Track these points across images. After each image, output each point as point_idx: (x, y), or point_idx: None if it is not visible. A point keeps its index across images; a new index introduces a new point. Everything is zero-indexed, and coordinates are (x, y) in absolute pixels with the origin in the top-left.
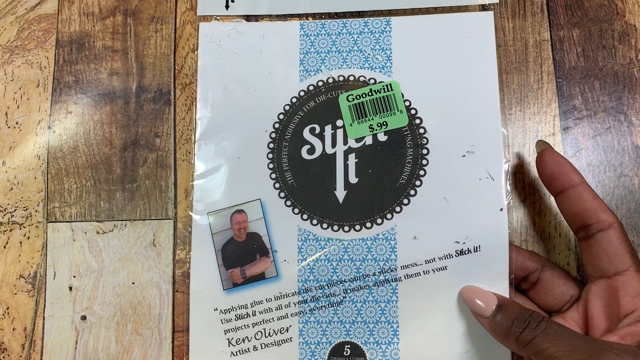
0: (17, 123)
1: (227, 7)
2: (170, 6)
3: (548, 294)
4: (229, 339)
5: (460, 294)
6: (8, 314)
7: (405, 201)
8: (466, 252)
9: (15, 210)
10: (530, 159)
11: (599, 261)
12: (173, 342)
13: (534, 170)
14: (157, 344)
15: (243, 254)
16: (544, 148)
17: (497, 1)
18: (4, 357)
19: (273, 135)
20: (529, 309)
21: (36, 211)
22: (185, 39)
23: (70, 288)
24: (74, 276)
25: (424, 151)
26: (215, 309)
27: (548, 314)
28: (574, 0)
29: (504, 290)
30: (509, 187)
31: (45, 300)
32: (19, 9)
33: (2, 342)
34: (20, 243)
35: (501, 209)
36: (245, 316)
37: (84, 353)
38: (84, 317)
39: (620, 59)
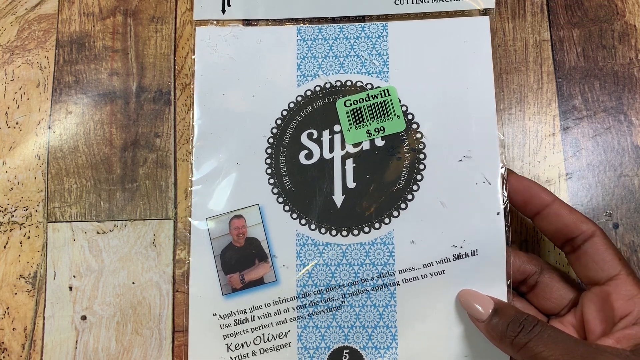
0: (17, 123)
1: (223, 11)
2: (170, 6)
3: (546, 298)
4: (228, 344)
5: (458, 297)
6: (8, 314)
7: (403, 206)
8: (464, 256)
9: (15, 210)
10: (530, 158)
11: (589, 271)
12: (173, 342)
13: (534, 170)
14: (157, 344)
15: (242, 259)
16: (507, 174)
17: (493, 6)
18: (4, 357)
19: (271, 140)
20: (525, 313)
21: (36, 211)
22: (185, 39)
23: (70, 288)
24: (74, 276)
25: (421, 156)
26: (215, 314)
27: (547, 318)
28: (574, 0)
29: (501, 293)
30: (505, 192)
31: (45, 300)
32: (19, 9)
33: (2, 342)
34: (21, 243)
35: (498, 213)
36: (244, 321)
37: (84, 353)
38: (84, 317)
39: (620, 59)
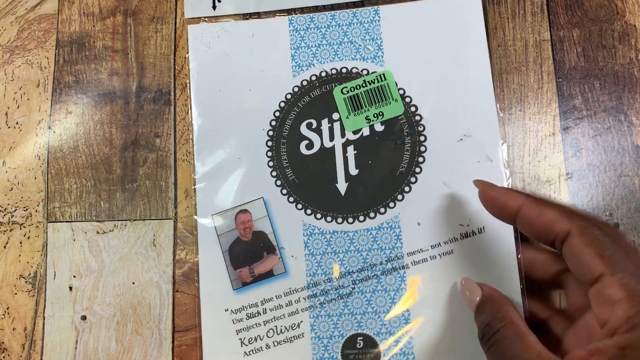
0: (17, 123)
1: (214, 7)
2: (170, 6)
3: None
4: (241, 339)
5: (460, 286)
6: (8, 314)
7: (407, 189)
8: (471, 235)
9: (15, 210)
10: (531, 158)
11: (575, 273)
12: (173, 342)
13: (534, 170)
14: (157, 344)
15: (250, 253)
16: (478, 187)
17: None
18: (4, 357)
19: (271, 133)
20: (500, 311)
21: (36, 211)
22: (185, 39)
23: (70, 288)
24: (74, 276)
25: (422, 138)
26: (226, 310)
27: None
28: (574, 0)
29: (512, 268)
30: (507, 168)
31: (45, 300)
32: (19, 9)
33: (2, 342)
34: (21, 243)
35: None
36: (256, 314)
37: (84, 353)
38: (84, 317)
39: (620, 59)
